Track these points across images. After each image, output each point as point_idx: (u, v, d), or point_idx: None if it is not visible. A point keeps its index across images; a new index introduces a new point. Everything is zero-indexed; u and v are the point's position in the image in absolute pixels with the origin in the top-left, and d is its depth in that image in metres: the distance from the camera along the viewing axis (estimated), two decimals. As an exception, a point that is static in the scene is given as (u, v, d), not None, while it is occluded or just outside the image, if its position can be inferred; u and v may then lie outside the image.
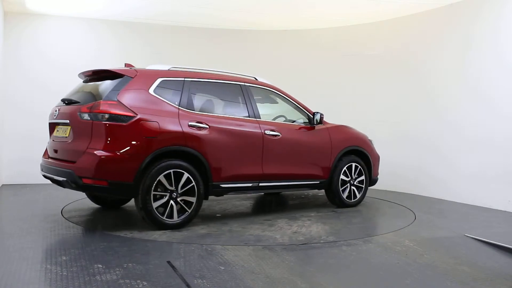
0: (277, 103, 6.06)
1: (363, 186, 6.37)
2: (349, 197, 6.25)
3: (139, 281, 3.27)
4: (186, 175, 4.77)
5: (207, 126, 4.98)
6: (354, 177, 6.26)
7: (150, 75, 4.94)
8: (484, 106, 6.54)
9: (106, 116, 4.52)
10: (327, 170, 6.03)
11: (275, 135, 5.52)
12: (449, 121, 7.06)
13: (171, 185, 4.71)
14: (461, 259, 4.02)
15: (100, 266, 3.60)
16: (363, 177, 6.35)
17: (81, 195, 6.80)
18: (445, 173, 7.09)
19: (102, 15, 8.19)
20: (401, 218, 5.67)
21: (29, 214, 5.66)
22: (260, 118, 5.49)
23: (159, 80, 4.93)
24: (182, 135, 4.79)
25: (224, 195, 5.56)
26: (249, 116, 5.42)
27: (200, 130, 4.93)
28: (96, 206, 6.06)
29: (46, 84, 8.08)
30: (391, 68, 8.03)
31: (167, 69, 5.19)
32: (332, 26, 8.65)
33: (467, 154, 6.75)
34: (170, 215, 4.73)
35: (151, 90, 4.83)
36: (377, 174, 6.69)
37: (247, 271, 3.56)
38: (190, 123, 4.88)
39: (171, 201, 4.73)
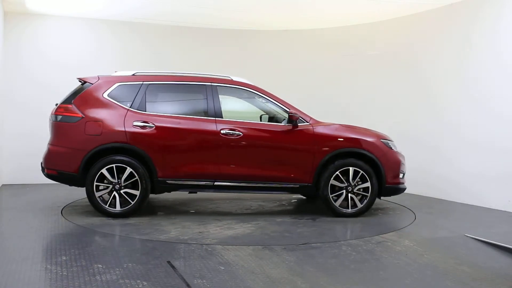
0: (256, 101, 5.90)
1: (368, 194, 5.62)
2: (344, 205, 5.63)
3: (139, 281, 3.28)
4: (129, 169, 5.31)
5: (153, 125, 5.41)
6: (353, 183, 5.59)
7: (109, 81, 5.62)
8: (484, 106, 6.53)
9: (60, 117, 5.47)
10: (309, 174, 5.56)
11: (235, 134, 5.49)
12: (449, 121, 7.06)
13: (113, 178, 5.31)
14: (461, 259, 4.02)
15: (100, 266, 3.60)
16: (367, 184, 5.61)
17: (81, 195, 6.81)
18: (445, 173, 7.08)
19: (102, 15, 8.19)
20: (401, 218, 5.68)
21: (29, 214, 5.65)
22: (222, 117, 5.55)
23: (116, 85, 5.59)
24: (124, 134, 5.36)
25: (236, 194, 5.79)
26: (208, 116, 5.57)
27: (144, 129, 5.39)
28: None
29: (46, 84, 8.07)
30: (391, 68, 8.03)
31: (132, 74, 5.75)
32: (332, 26, 8.65)
33: (467, 154, 6.75)
34: (114, 205, 5.34)
35: (105, 94, 5.53)
36: (398, 181, 5.80)
37: (247, 271, 3.56)
38: (135, 123, 5.40)
39: (114, 192, 5.32)
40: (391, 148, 5.84)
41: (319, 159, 5.55)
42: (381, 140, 5.82)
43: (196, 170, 5.47)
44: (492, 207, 6.33)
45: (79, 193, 6.96)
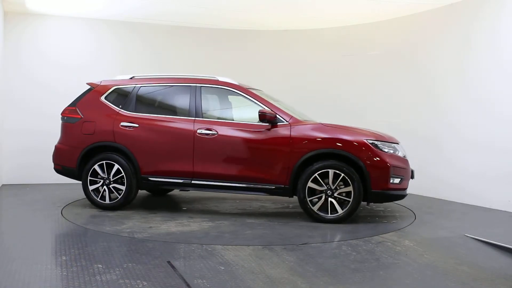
0: (240, 101, 5.86)
1: (350, 199, 5.21)
2: (324, 210, 5.27)
3: (139, 281, 3.28)
4: (116, 166, 5.78)
5: (137, 125, 5.80)
6: (333, 187, 5.23)
7: (107, 85, 6.13)
8: (484, 106, 6.54)
9: (65, 118, 6.16)
10: (284, 175, 5.36)
11: (210, 134, 5.56)
12: (449, 121, 7.06)
13: (104, 173, 5.81)
14: (461, 259, 4.02)
15: (100, 266, 3.60)
16: (349, 188, 5.20)
17: (81, 195, 6.81)
18: (445, 173, 7.08)
19: (102, 15, 8.19)
20: (401, 218, 5.67)
21: (29, 214, 5.66)
22: (201, 117, 5.68)
23: (112, 88, 6.08)
24: (111, 133, 5.85)
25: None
26: (189, 116, 5.72)
27: (130, 128, 5.81)
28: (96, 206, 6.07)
29: (46, 84, 8.08)
30: (391, 68, 8.03)
31: (130, 77, 6.15)
32: (332, 26, 8.65)
33: (467, 154, 6.75)
34: (104, 198, 5.82)
35: (102, 98, 6.05)
36: (389, 187, 5.26)
37: (247, 271, 3.56)
38: (121, 124, 5.85)
39: (104, 187, 5.80)
40: (380, 149, 5.30)
41: (295, 160, 5.32)
42: (367, 140, 5.30)
43: (174, 168, 5.68)
44: (492, 207, 6.33)
45: (79, 193, 6.95)
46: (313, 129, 5.44)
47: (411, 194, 7.32)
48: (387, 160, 5.28)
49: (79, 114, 6.02)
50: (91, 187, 5.84)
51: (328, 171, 5.23)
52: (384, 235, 4.80)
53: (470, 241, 4.61)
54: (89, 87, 6.22)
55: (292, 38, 9.06)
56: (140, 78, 6.11)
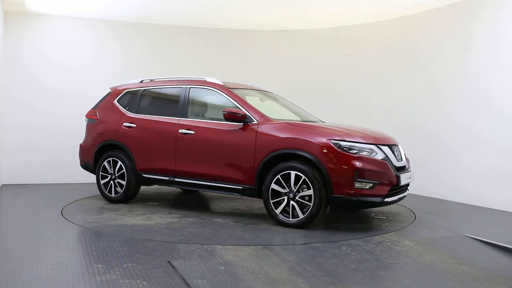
0: (222, 100, 5.79)
1: (311, 203, 4.88)
2: (286, 213, 5.04)
3: (139, 281, 3.28)
4: (119, 163, 6.24)
5: (135, 126, 6.19)
6: (295, 189, 4.95)
7: (121, 89, 6.62)
8: (484, 106, 6.53)
9: (87, 119, 6.77)
10: (250, 176, 5.24)
11: (188, 134, 5.70)
12: (449, 121, 7.06)
13: (111, 169, 6.32)
14: (461, 259, 4.02)
15: (100, 266, 3.60)
16: (310, 192, 4.88)
17: (81, 195, 6.82)
18: (445, 173, 7.08)
19: (102, 15, 8.19)
20: (401, 218, 5.67)
21: (29, 214, 5.66)
22: (186, 117, 5.83)
23: (124, 92, 6.55)
24: (115, 132, 6.33)
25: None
26: (176, 116, 5.91)
27: (129, 128, 6.22)
28: (96, 206, 6.07)
29: (46, 84, 8.08)
30: (391, 68, 8.02)
31: (139, 81, 6.55)
32: (332, 26, 8.65)
33: (467, 154, 6.75)
34: (111, 191, 6.33)
35: (115, 101, 6.56)
36: (354, 192, 4.76)
37: (247, 271, 3.56)
38: (124, 124, 6.28)
39: (111, 182, 6.30)
40: (344, 150, 4.84)
41: (259, 160, 5.17)
42: (330, 140, 4.89)
43: (161, 166, 5.93)
44: (492, 207, 6.33)
45: (79, 193, 6.99)
46: (278, 129, 5.20)
47: (411, 194, 7.34)
48: (352, 162, 4.79)
49: (97, 116, 6.59)
50: (102, 181, 6.39)
51: (290, 172, 4.97)
52: (384, 235, 4.80)
53: (470, 241, 4.61)
54: (109, 91, 6.78)
55: (292, 38, 9.06)
56: (146, 82, 6.49)
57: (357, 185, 4.77)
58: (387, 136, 5.58)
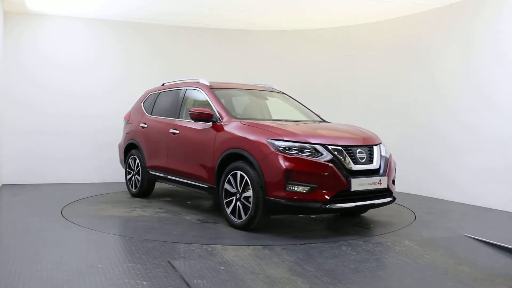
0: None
1: (250, 205, 4.67)
2: (234, 214, 4.90)
3: (139, 281, 3.28)
4: (137, 160, 6.77)
5: (146, 126, 6.62)
6: (240, 190, 4.80)
7: (147, 92, 7.11)
8: (485, 106, 6.53)
9: (124, 121, 7.34)
10: (211, 175, 5.22)
11: (175, 133, 5.95)
12: (448, 122, 7.06)
13: (133, 166, 6.87)
14: (461, 259, 4.02)
15: (100, 266, 3.60)
16: (250, 193, 4.66)
17: (81, 195, 6.83)
18: (445, 173, 7.08)
19: (102, 15, 8.19)
20: (401, 218, 5.67)
21: (29, 214, 5.66)
22: (180, 118, 6.04)
23: (148, 95, 7.01)
24: (134, 132, 6.90)
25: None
26: (174, 117, 6.16)
27: (143, 128, 6.67)
28: (96, 206, 6.07)
29: (46, 84, 8.08)
30: (391, 68, 8.02)
31: (161, 84, 6.93)
32: (332, 26, 8.65)
33: (467, 154, 6.75)
34: (133, 186, 6.93)
35: (141, 103, 7.05)
36: (284, 195, 4.42)
37: (247, 271, 3.56)
38: (140, 124, 6.75)
39: (133, 177, 6.90)
40: (279, 150, 4.52)
41: (216, 160, 5.13)
42: (268, 139, 4.63)
43: (158, 164, 6.27)
44: (492, 207, 6.33)
45: (79, 193, 7.00)
46: (232, 128, 5.08)
47: (411, 194, 7.34)
48: (283, 163, 4.44)
49: (129, 117, 7.17)
50: (128, 176, 7.04)
51: (237, 172, 4.83)
52: (384, 235, 4.80)
53: (470, 241, 4.61)
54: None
55: (292, 38, 9.06)
56: (163, 86, 6.84)
57: (289, 188, 4.41)
58: (364, 135, 5.10)
